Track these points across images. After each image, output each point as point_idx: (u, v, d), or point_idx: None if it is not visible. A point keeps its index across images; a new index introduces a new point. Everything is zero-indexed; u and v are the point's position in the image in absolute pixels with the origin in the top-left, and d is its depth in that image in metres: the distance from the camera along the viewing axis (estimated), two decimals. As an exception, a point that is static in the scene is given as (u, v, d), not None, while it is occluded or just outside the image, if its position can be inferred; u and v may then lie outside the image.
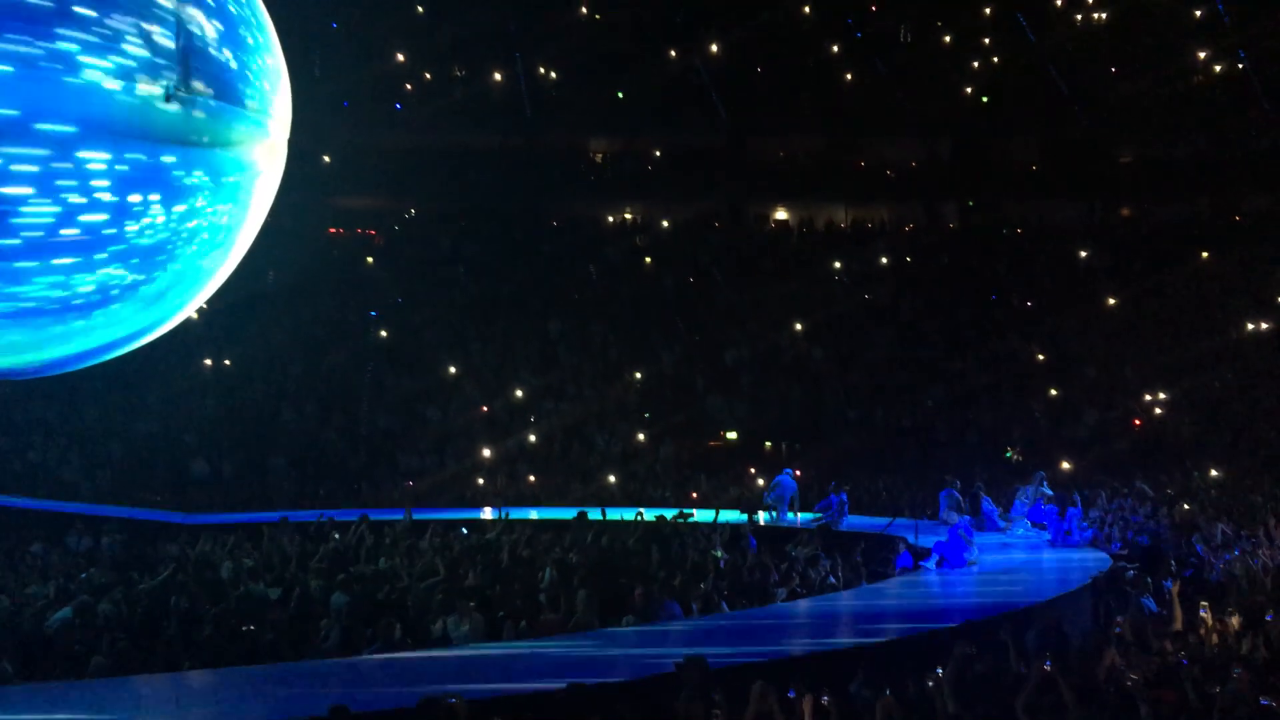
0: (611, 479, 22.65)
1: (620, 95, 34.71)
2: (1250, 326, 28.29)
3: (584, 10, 35.21)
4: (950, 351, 28.61)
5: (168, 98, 7.10)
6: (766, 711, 7.08)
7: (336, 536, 15.22)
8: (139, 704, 7.80)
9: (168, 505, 20.67)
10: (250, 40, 8.14)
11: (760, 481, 22.33)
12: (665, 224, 35.70)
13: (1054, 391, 26.81)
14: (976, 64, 35.51)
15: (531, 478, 23.01)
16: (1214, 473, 21.22)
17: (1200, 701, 7.37)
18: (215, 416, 25.02)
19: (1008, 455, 24.09)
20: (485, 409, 25.84)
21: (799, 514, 18.59)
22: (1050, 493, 17.73)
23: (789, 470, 19.76)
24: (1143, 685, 7.58)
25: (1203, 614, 9.68)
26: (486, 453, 23.83)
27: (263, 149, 8.32)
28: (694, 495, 21.48)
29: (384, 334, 28.97)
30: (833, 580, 13.68)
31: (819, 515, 18.02)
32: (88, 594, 11.42)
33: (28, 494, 19.95)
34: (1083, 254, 33.25)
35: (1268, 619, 9.43)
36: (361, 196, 34.45)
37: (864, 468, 23.13)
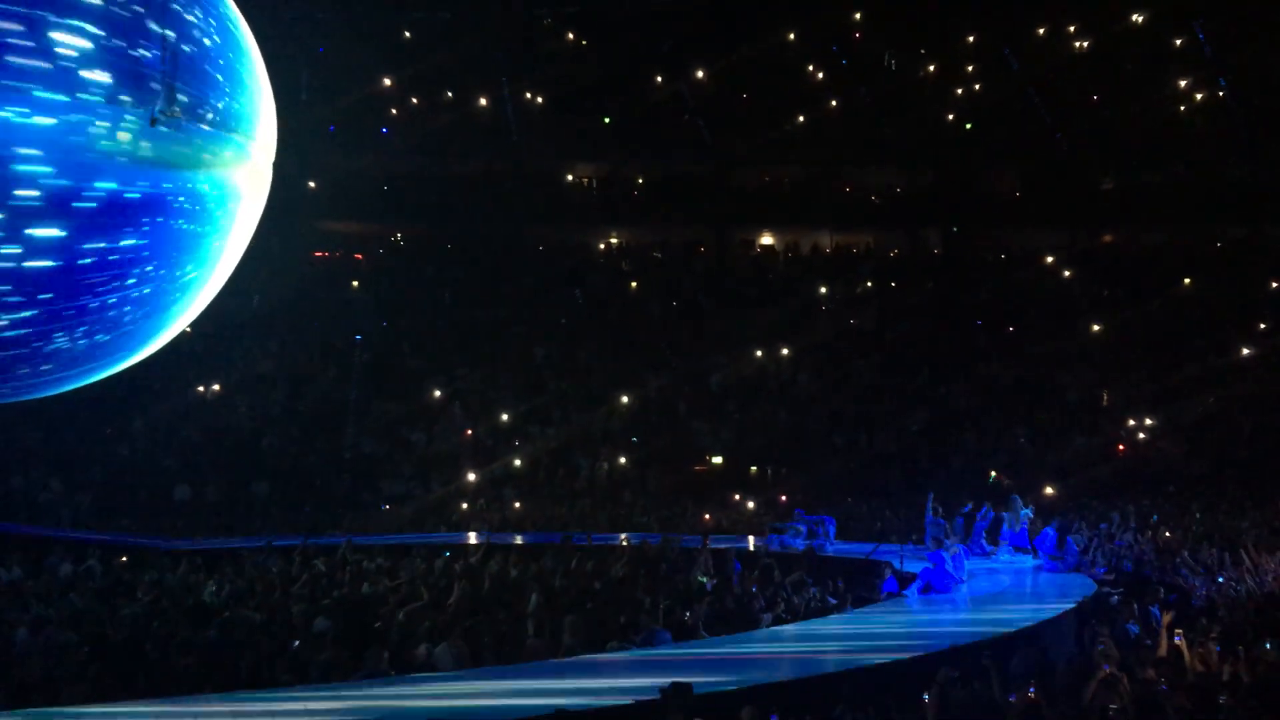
0: (596, 503, 22.62)
1: (606, 121, 34.88)
2: (1232, 353, 28.50)
3: (570, 37, 35.40)
4: (934, 377, 28.72)
5: (152, 122, 7.10)
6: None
7: (318, 562, 15.13)
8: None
9: (150, 530, 20.51)
10: (235, 64, 8.15)
11: (751, 504, 22.38)
12: (651, 249, 35.82)
13: (1040, 415, 26.97)
14: (960, 92, 35.82)
15: (516, 503, 22.95)
16: (1197, 500, 21.27)
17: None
18: (198, 441, 24.90)
19: (991, 479, 24.15)
20: (469, 433, 25.81)
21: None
22: (1033, 515, 17.75)
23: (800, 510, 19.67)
24: (1125, 712, 7.58)
25: (1177, 641, 9.68)
26: (471, 477, 23.78)
27: (247, 173, 8.32)
28: (706, 518, 21.27)
29: (368, 358, 28.91)
30: (818, 606, 13.65)
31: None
32: (69, 619, 11.33)
33: (8, 519, 19.76)
34: (1065, 278, 33.49)
35: (1267, 647, 9.43)
36: (347, 221, 34.47)
37: (849, 493, 23.15)
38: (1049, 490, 21.50)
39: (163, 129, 7.24)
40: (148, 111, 7.15)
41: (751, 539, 18.76)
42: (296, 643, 10.76)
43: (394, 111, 34.47)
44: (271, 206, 9.31)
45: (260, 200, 8.83)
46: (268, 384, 27.50)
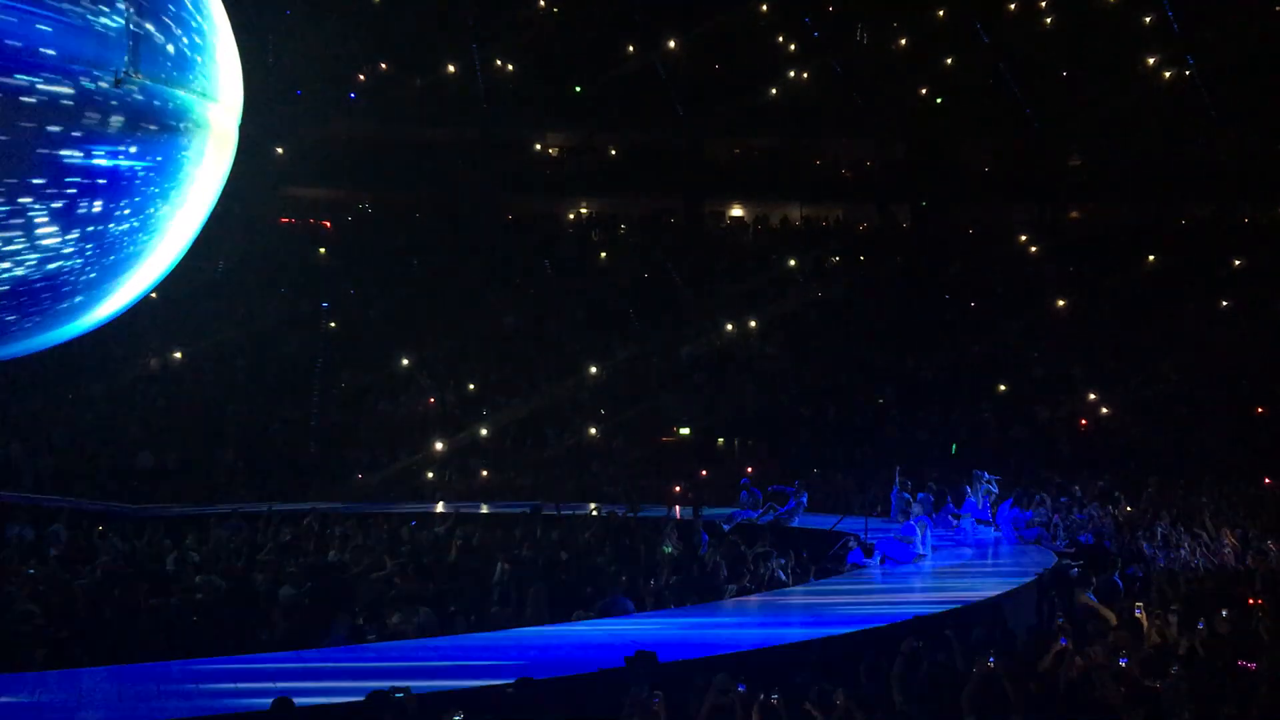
0: (564, 474, 22.62)
1: (578, 90, 34.65)
2: (1194, 330, 28.79)
3: (542, 4, 35.09)
4: (902, 350, 28.86)
5: (116, 82, 6.99)
6: (724, 705, 7.10)
7: (283, 529, 15.08)
8: (79, 696, 7.68)
9: (113, 496, 20.33)
10: (201, 26, 8.03)
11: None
12: (621, 220, 35.72)
13: (1002, 387, 27.22)
14: (931, 66, 35.83)
15: (484, 472, 22.92)
16: (1157, 474, 21.52)
17: (1139, 698, 7.50)
18: (162, 407, 24.68)
19: (954, 450, 24.34)
20: (432, 400, 25.76)
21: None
22: (997, 490, 17.94)
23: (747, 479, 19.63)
24: (1082, 683, 7.70)
25: (1138, 614, 9.84)
26: (439, 446, 23.72)
27: (212, 136, 8.22)
28: (677, 490, 20.98)
29: (335, 325, 28.69)
30: (782, 576, 13.75)
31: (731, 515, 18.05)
32: (34, 585, 11.23)
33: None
34: (1033, 253, 33.73)
35: (1223, 615, 9.60)
36: (314, 187, 34.11)
37: (816, 465, 23.27)
38: (1012, 463, 21.64)
39: (127, 89, 7.14)
40: (114, 72, 7.05)
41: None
42: (263, 610, 10.75)
43: (362, 77, 34.08)
44: (237, 170, 9.21)
45: (226, 163, 8.74)
46: (232, 350, 27.25)
